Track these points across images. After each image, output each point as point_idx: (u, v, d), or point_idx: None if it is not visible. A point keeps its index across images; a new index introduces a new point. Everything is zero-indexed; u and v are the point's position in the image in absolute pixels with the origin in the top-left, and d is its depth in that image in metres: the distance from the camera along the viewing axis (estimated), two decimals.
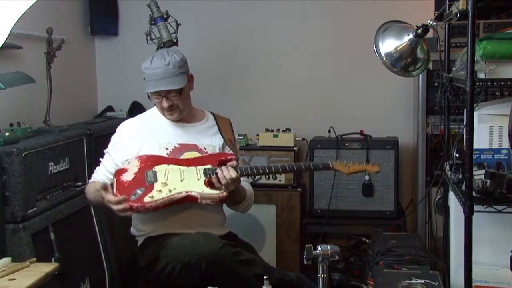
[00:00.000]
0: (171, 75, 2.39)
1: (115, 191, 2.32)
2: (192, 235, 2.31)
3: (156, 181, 2.33)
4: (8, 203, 2.40)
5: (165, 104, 2.43)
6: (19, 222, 2.41)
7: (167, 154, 2.44)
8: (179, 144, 2.48)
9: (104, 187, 2.30)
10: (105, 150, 2.54)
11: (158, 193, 2.28)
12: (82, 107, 3.91)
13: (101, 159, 2.55)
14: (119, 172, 2.39)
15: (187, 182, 2.33)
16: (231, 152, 2.53)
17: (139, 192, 2.28)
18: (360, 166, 2.49)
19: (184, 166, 2.39)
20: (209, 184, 2.34)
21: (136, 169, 2.37)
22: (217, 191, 2.31)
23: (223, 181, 2.31)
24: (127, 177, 2.35)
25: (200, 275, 2.20)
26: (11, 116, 2.80)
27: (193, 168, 2.38)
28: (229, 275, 2.23)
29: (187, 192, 2.29)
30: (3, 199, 2.39)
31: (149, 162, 2.39)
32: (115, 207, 2.24)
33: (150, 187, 2.30)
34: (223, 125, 2.63)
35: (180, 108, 2.46)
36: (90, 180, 2.54)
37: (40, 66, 2.97)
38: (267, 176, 3.50)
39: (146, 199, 2.26)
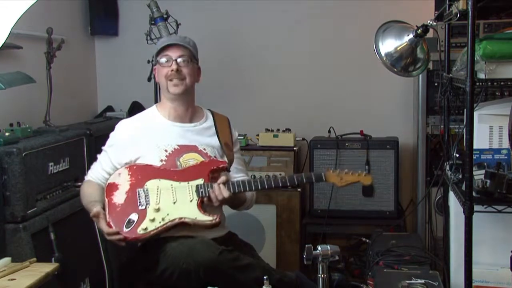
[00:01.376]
0: (186, 44, 2.47)
1: (107, 215, 2.30)
2: (189, 241, 2.28)
3: (148, 204, 2.32)
4: (8, 203, 2.40)
5: (174, 66, 2.42)
6: (19, 222, 2.41)
7: (166, 156, 2.41)
8: (178, 145, 2.45)
9: (96, 214, 2.28)
10: (103, 147, 2.51)
11: (151, 223, 2.27)
12: (82, 107, 3.91)
13: (98, 155, 2.51)
14: (110, 190, 2.36)
15: (180, 205, 2.33)
16: (225, 158, 2.51)
17: (132, 219, 2.28)
18: (353, 177, 2.42)
19: (176, 182, 2.36)
20: (202, 203, 2.34)
21: (127, 186, 2.35)
22: (210, 218, 2.31)
23: (216, 204, 2.32)
24: (119, 198, 2.33)
25: (199, 281, 2.19)
26: (11, 116, 2.80)
27: (185, 184, 2.36)
28: (228, 281, 2.21)
29: (180, 218, 2.30)
30: (3, 199, 2.39)
31: (140, 175, 2.37)
32: (109, 238, 2.27)
33: (143, 214, 2.30)
34: (221, 126, 2.59)
35: (186, 82, 2.44)
36: (86, 178, 2.50)
37: (40, 66, 2.97)
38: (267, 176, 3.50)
39: (140, 231, 2.26)
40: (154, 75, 2.52)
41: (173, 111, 2.50)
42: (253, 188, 2.40)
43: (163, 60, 2.44)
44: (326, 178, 2.43)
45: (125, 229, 2.27)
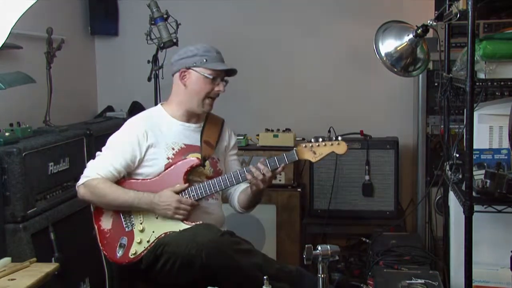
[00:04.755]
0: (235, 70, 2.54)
1: (99, 242, 2.41)
2: (191, 228, 2.34)
3: (133, 225, 2.40)
4: (8, 203, 2.40)
5: (222, 87, 2.48)
6: (19, 222, 2.41)
7: (173, 154, 2.44)
8: (185, 144, 2.49)
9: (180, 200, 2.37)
10: (109, 146, 2.44)
11: (139, 245, 2.37)
12: (82, 107, 3.91)
13: (100, 154, 2.44)
14: (98, 215, 2.43)
15: (162, 219, 2.38)
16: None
17: (123, 243, 2.38)
18: (326, 148, 2.39)
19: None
20: None
21: (111, 211, 2.42)
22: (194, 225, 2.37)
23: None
24: (106, 223, 2.42)
25: (201, 266, 2.19)
26: (11, 116, 2.80)
27: None
28: (229, 265, 2.22)
29: (165, 233, 2.36)
30: (3, 199, 2.40)
31: None
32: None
33: (131, 236, 2.38)
34: (210, 125, 2.60)
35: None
36: (91, 175, 2.37)
37: (40, 66, 2.97)
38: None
39: (131, 255, 2.36)
40: (180, 76, 2.47)
41: (186, 115, 2.52)
42: (222, 187, 2.43)
43: (212, 77, 2.45)
44: (299, 155, 2.42)
45: (118, 256, 2.37)
